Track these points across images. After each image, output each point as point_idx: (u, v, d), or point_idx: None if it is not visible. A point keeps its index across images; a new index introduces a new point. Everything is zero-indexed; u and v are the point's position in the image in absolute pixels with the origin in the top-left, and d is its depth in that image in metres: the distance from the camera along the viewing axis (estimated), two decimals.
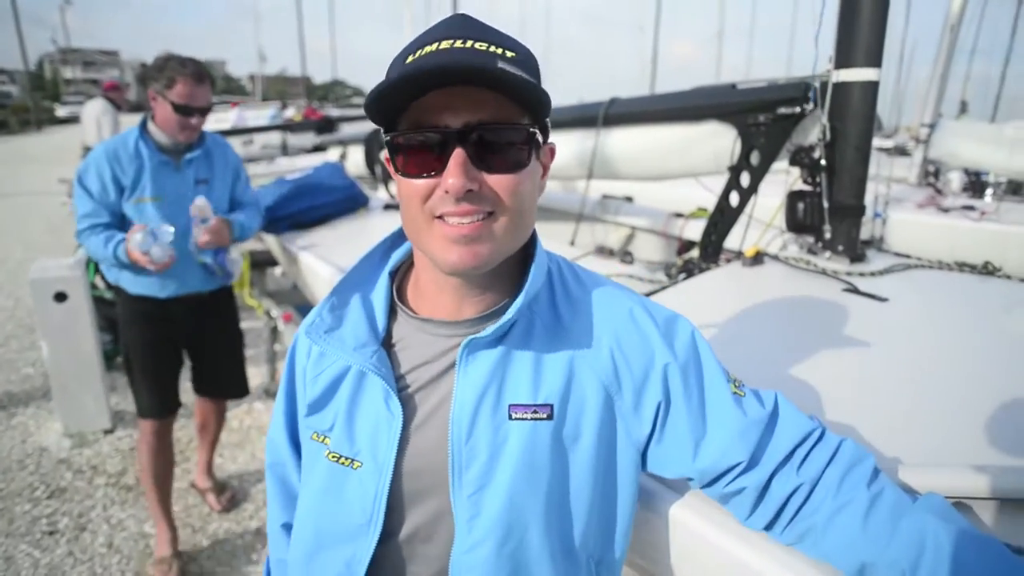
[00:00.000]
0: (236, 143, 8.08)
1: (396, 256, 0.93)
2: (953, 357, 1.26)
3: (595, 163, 2.73)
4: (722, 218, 2.20)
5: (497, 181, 0.73)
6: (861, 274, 1.75)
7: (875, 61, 1.81)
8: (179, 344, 2.60)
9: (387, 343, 0.86)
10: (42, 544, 2.64)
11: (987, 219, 2.92)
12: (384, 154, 0.83)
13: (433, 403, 0.82)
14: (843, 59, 1.84)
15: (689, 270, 2.07)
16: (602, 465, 0.82)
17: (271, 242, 3.41)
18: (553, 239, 3.00)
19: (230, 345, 2.78)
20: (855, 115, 1.84)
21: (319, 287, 2.65)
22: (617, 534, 0.85)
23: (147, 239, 2.18)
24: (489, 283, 0.82)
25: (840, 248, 1.88)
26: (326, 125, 8.17)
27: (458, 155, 0.70)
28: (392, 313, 0.89)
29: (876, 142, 1.95)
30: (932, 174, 4.59)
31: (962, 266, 1.84)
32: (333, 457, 0.85)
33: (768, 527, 0.81)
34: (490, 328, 0.78)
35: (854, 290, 1.61)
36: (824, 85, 1.85)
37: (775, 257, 1.94)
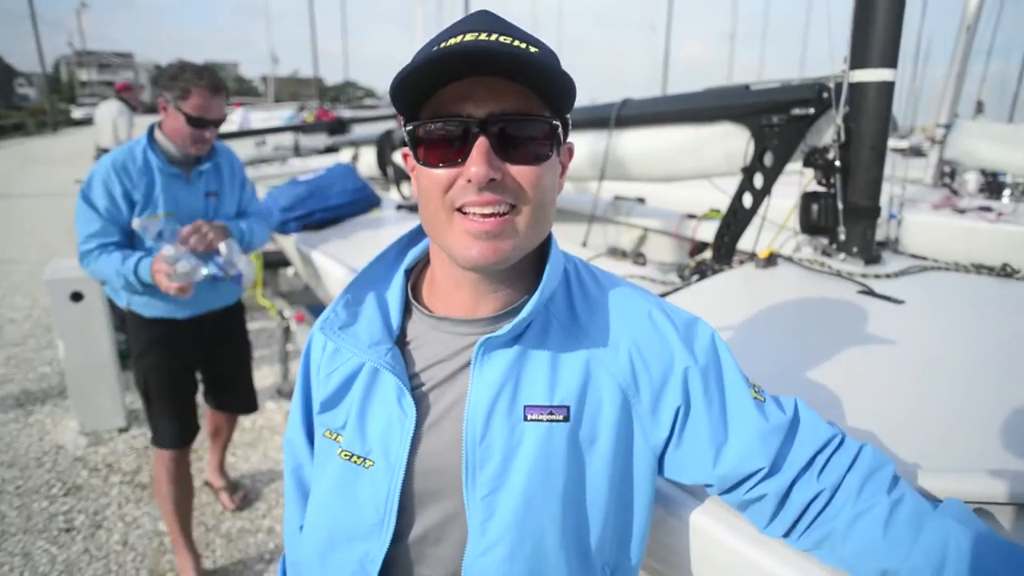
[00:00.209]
0: (248, 144, 8.15)
1: (412, 254, 0.93)
2: (971, 360, 1.24)
3: (607, 164, 2.73)
4: (735, 219, 2.19)
5: (519, 172, 0.73)
6: (876, 276, 1.74)
7: (891, 61, 1.79)
8: (194, 366, 2.53)
9: (401, 341, 0.86)
10: (59, 541, 2.67)
11: (1004, 220, 2.89)
12: (403, 149, 0.83)
13: (447, 402, 0.82)
14: (858, 59, 1.82)
15: (702, 272, 2.06)
16: (618, 469, 0.81)
17: (284, 243, 3.43)
18: (565, 240, 2.99)
19: (242, 361, 2.73)
20: (870, 116, 1.82)
21: (331, 287, 2.67)
22: (633, 540, 0.84)
23: (181, 255, 2.10)
24: (506, 281, 0.82)
25: (855, 250, 1.87)
26: (338, 126, 8.19)
27: (481, 144, 0.70)
28: (407, 311, 0.89)
29: (891, 143, 1.93)
30: (948, 175, 4.53)
31: (979, 268, 1.82)
32: (345, 455, 0.85)
33: (787, 534, 0.80)
34: (506, 327, 0.78)
35: (869, 292, 1.59)
36: (839, 86, 1.83)
37: (789, 259, 1.92)
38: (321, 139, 8.08)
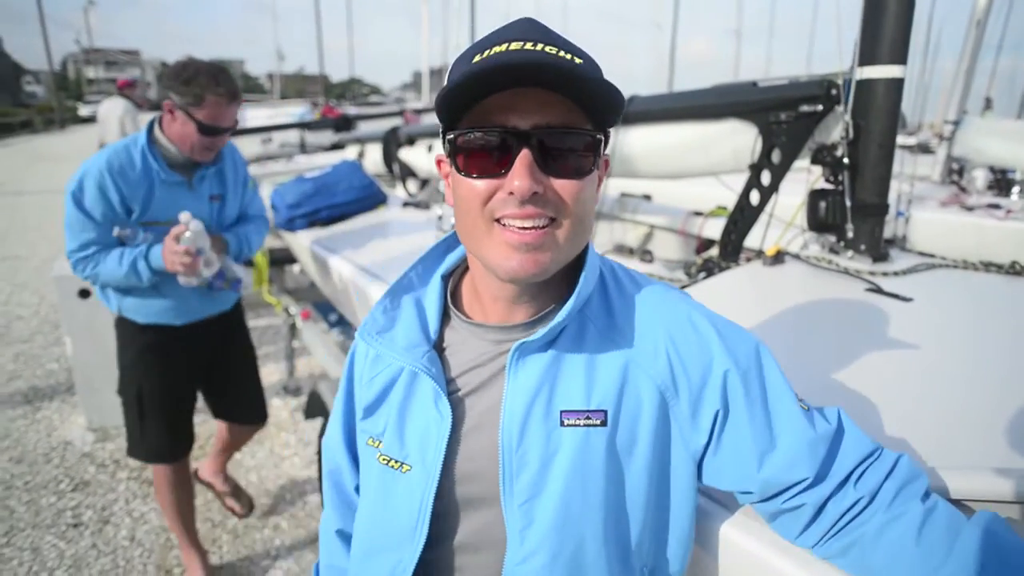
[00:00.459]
0: (255, 141, 8.16)
1: (450, 259, 0.93)
2: (980, 358, 1.24)
3: (614, 161, 2.72)
4: (742, 217, 2.18)
5: (562, 186, 0.72)
6: (884, 274, 1.73)
7: (900, 58, 1.78)
8: (192, 376, 2.38)
9: (439, 346, 0.86)
10: (67, 536, 2.68)
11: (1013, 217, 2.87)
12: (438, 155, 0.82)
13: (483, 408, 0.81)
14: (867, 56, 1.81)
15: (709, 269, 2.05)
16: (656, 473, 0.80)
17: (290, 240, 3.44)
18: None
19: (246, 368, 2.57)
20: (879, 112, 1.81)
21: (338, 284, 2.67)
22: (671, 544, 0.83)
23: (196, 236, 1.98)
24: (542, 287, 0.81)
25: (863, 247, 1.86)
26: (344, 123, 8.20)
27: (524, 156, 0.69)
28: (445, 317, 0.89)
29: (899, 140, 1.92)
30: (956, 172, 4.51)
31: (988, 266, 1.81)
32: (384, 460, 0.85)
33: (815, 544, 0.79)
34: (540, 332, 0.77)
35: (878, 290, 1.59)
36: (847, 82, 1.82)
37: (796, 256, 1.92)
38: (327, 136, 8.09)
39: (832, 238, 1.96)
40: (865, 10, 1.81)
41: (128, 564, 2.54)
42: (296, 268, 4.53)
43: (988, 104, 10.23)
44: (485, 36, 0.76)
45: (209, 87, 1.95)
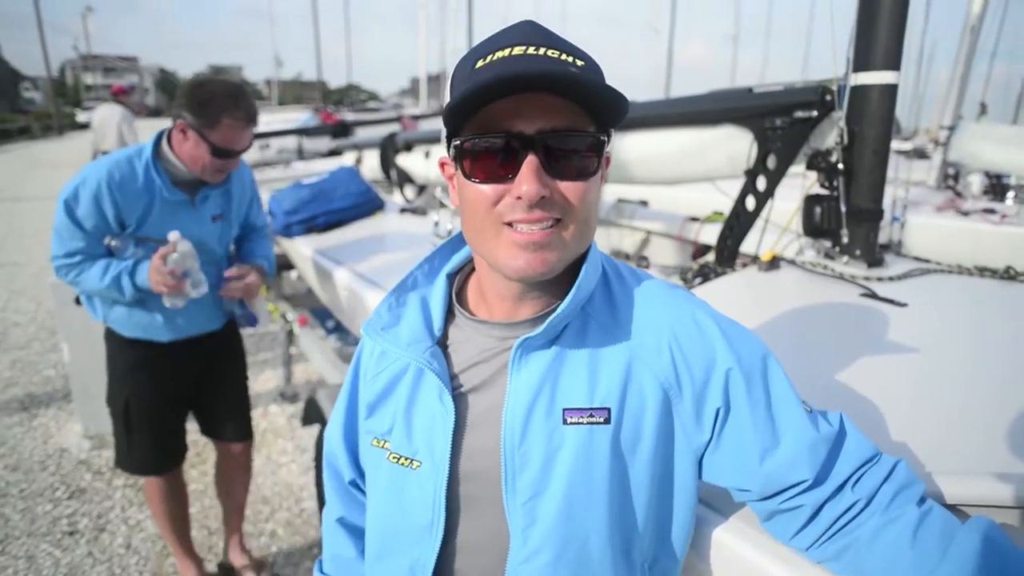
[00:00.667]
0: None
1: (456, 259, 0.94)
2: (974, 363, 1.24)
3: (611, 167, 2.72)
4: (738, 222, 2.18)
5: (567, 188, 0.73)
6: (879, 279, 1.74)
7: (894, 64, 1.79)
8: (183, 391, 2.29)
9: (442, 343, 0.87)
10: (62, 544, 2.67)
11: (1008, 222, 2.88)
12: (441, 157, 0.83)
13: (486, 405, 0.82)
14: (861, 62, 1.82)
15: (705, 275, 2.05)
16: (659, 469, 0.80)
17: (287, 246, 3.43)
18: None
19: (238, 386, 2.47)
20: (873, 118, 1.82)
21: (335, 290, 2.67)
22: (673, 539, 0.83)
23: (184, 258, 1.91)
24: (547, 285, 0.82)
25: (858, 252, 1.87)
26: (341, 129, 8.22)
27: (531, 161, 0.70)
28: (450, 315, 0.89)
29: (894, 145, 1.93)
30: (952, 177, 4.53)
31: (983, 271, 1.82)
32: (394, 458, 0.86)
33: (809, 546, 0.79)
34: (541, 327, 0.78)
35: (872, 295, 1.59)
36: (841, 88, 1.83)
37: (792, 262, 1.92)
38: (324, 142, 8.10)
39: (827, 243, 1.97)
40: (859, 17, 1.82)
41: (124, 572, 2.52)
42: (293, 274, 4.53)
43: (983, 109, 10.29)
44: (487, 39, 0.77)
45: (226, 109, 1.86)
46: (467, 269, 0.94)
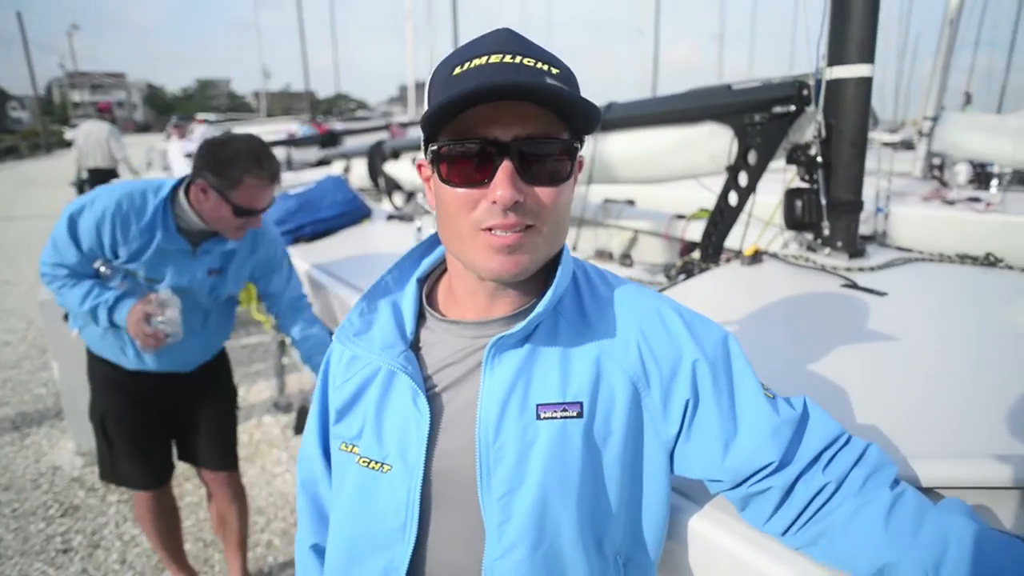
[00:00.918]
0: None
1: (427, 263, 0.95)
2: (952, 349, 1.25)
3: (594, 168, 2.74)
4: (722, 218, 2.20)
5: (541, 193, 0.75)
6: (860, 269, 1.75)
7: (868, 57, 1.81)
8: (162, 412, 2.22)
9: (415, 346, 0.88)
10: (56, 562, 2.66)
11: (992, 211, 2.90)
12: (418, 159, 0.85)
13: (460, 404, 0.83)
14: (836, 56, 1.84)
15: (689, 271, 2.07)
16: (629, 461, 0.82)
17: None
18: None
19: (220, 416, 2.36)
20: (850, 111, 1.84)
21: (324, 299, 2.67)
22: (646, 534, 0.85)
23: (169, 323, 1.88)
24: (518, 284, 0.84)
25: (839, 244, 1.88)
26: (330, 139, 8.22)
27: (507, 167, 0.72)
28: (421, 318, 0.90)
29: (883, 137, 1.95)
30: (937, 167, 4.55)
31: (963, 258, 1.83)
32: (363, 462, 0.86)
33: (785, 531, 0.80)
34: (516, 327, 0.79)
35: (853, 285, 1.60)
36: (818, 82, 1.85)
37: (774, 255, 1.93)
38: (313, 152, 8.10)
39: (810, 236, 1.98)
40: (832, 11, 1.84)
41: None
42: None
43: (968, 99, 10.37)
44: (464, 45, 0.78)
45: (250, 170, 1.81)
46: (437, 272, 0.95)
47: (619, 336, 0.83)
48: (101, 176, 8.13)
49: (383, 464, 0.84)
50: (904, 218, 2.91)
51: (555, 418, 0.78)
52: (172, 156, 10.61)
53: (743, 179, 2.11)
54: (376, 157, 4.63)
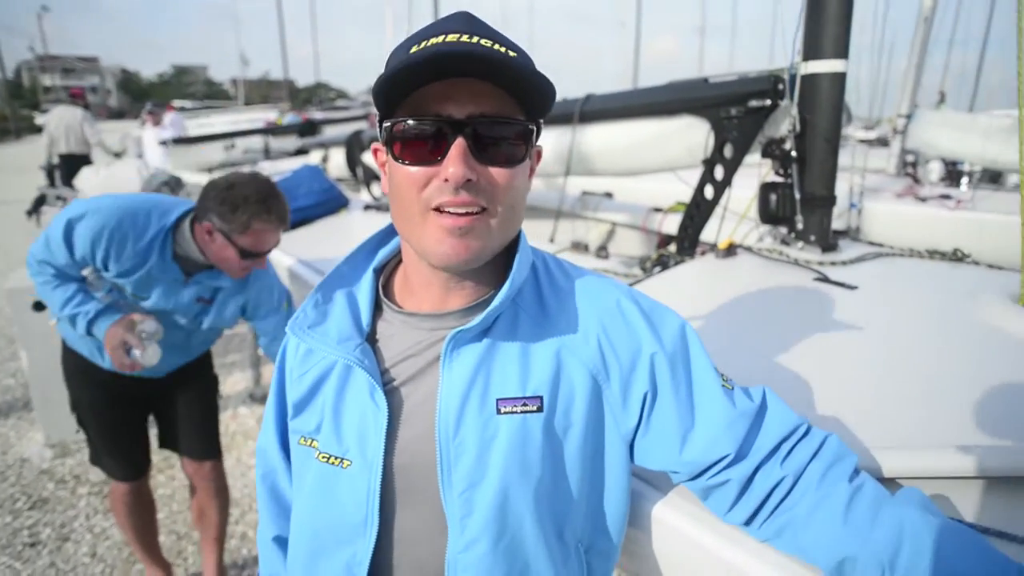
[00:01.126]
0: (217, 148, 8.04)
1: (383, 253, 0.94)
2: (917, 342, 1.28)
3: (572, 160, 2.74)
4: (698, 211, 2.21)
5: (495, 174, 0.74)
6: (832, 263, 1.77)
7: (842, 52, 1.83)
8: (137, 402, 2.21)
9: (371, 338, 0.86)
10: (23, 556, 2.61)
11: (962, 208, 2.96)
12: (375, 144, 0.83)
13: (419, 398, 0.82)
14: (811, 51, 1.86)
15: (664, 263, 2.08)
16: (589, 452, 0.82)
17: None
18: (533, 236, 2.97)
19: (201, 405, 2.33)
20: (824, 106, 1.86)
21: (300, 290, 2.65)
22: (608, 522, 0.85)
23: (148, 356, 1.87)
24: (474, 276, 0.83)
25: (812, 238, 1.90)
26: (308, 128, 8.13)
27: (459, 144, 0.71)
28: (377, 309, 0.89)
29: (859, 134, 1.98)
30: (911, 164, 4.63)
31: (932, 253, 1.87)
32: (323, 458, 0.85)
33: (747, 522, 0.81)
34: (474, 320, 0.78)
35: (824, 279, 1.62)
36: (792, 77, 1.86)
37: (748, 249, 1.95)
38: (291, 141, 8.01)
39: (784, 230, 2.00)
40: (808, 6, 1.85)
41: None
42: None
43: (942, 98, 10.55)
44: (423, 28, 0.77)
45: (258, 215, 1.79)
46: (393, 262, 0.94)
47: (579, 330, 0.82)
48: (73, 162, 7.96)
49: (343, 459, 0.83)
50: (877, 214, 2.96)
51: (515, 412, 0.78)
52: (146, 144, 10.44)
53: (719, 172, 2.13)
54: (354, 147, 4.59)
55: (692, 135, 2.22)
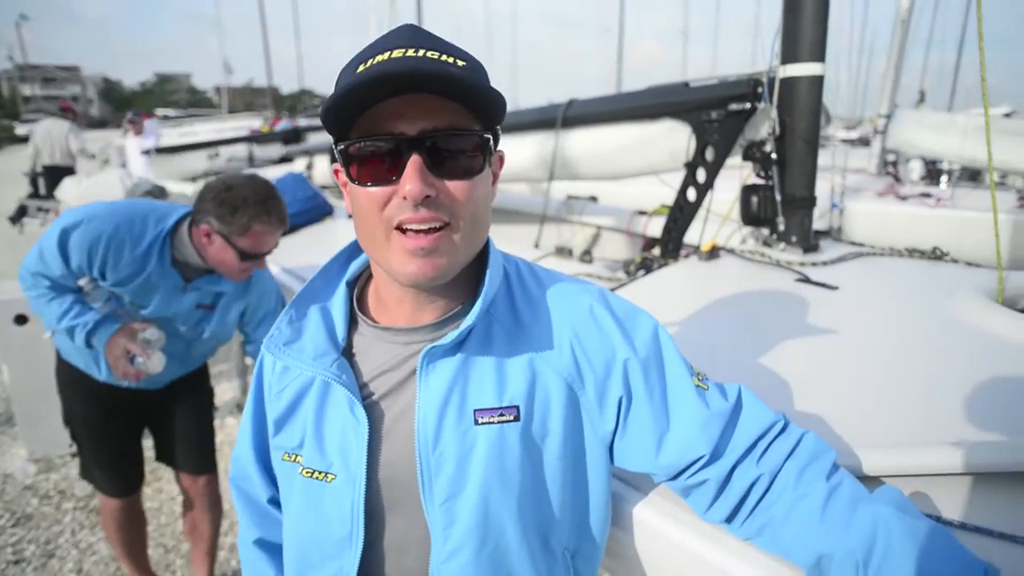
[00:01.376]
0: (201, 156, 7.99)
1: (355, 266, 0.93)
2: (896, 340, 1.29)
3: (556, 164, 2.75)
4: (681, 214, 2.23)
5: (453, 187, 0.73)
6: (814, 264, 1.79)
7: (819, 56, 1.85)
8: (133, 416, 2.18)
9: (348, 352, 0.86)
10: (7, 574, 2.57)
11: (942, 206, 3.00)
12: (334, 166, 0.83)
13: (397, 411, 0.82)
14: (789, 54, 1.88)
15: (647, 267, 2.09)
16: (570, 459, 0.82)
17: None
18: (518, 241, 3.01)
19: (196, 419, 2.30)
20: (802, 109, 1.88)
21: (285, 299, 2.63)
22: (592, 525, 0.86)
23: (151, 364, 1.84)
24: (446, 288, 0.82)
25: (793, 239, 1.92)
26: (293, 135, 8.09)
27: (415, 161, 0.70)
28: (352, 323, 0.88)
29: (841, 133, 2.00)
30: (891, 163, 4.68)
31: (912, 252, 1.89)
32: (307, 473, 0.84)
33: (728, 520, 0.82)
34: (448, 336, 0.78)
35: (805, 280, 1.64)
36: (771, 80, 1.88)
37: (731, 251, 1.97)
38: (275, 149, 7.96)
39: (765, 231, 2.02)
40: (784, 11, 1.88)
41: None
42: None
43: (922, 97, 10.70)
44: (368, 45, 0.77)
45: (258, 216, 1.76)
46: (365, 275, 0.93)
47: (553, 339, 0.83)
48: (57, 173, 7.93)
49: (327, 474, 0.83)
50: (858, 213, 2.99)
51: (492, 423, 0.79)
52: (129, 153, 10.37)
53: (701, 175, 2.15)
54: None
55: (674, 138, 2.24)
